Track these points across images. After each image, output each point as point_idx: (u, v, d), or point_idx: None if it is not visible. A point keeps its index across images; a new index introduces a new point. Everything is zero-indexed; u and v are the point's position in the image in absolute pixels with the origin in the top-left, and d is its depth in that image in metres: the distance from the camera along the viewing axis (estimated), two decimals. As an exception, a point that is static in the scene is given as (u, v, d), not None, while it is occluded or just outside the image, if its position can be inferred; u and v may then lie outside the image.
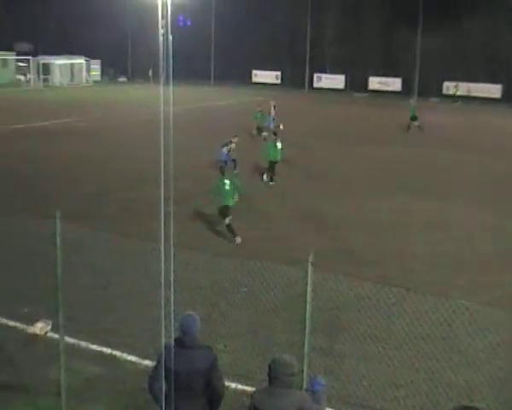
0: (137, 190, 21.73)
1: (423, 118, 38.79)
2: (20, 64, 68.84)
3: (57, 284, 8.68)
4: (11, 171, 24.42)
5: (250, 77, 75.85)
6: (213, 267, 13.09)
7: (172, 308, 5.78)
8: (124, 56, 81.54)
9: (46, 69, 67.95)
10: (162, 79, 5.72)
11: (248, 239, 16.69)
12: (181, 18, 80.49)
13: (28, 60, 67.09)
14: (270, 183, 23.91)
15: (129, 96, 56.86)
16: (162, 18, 5.30)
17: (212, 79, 76.96)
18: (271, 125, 32.26)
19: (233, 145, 24.55)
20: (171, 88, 5.91)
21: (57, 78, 68.29)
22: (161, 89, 5.74)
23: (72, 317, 9.97)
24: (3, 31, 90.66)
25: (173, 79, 5.67)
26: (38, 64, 67.16)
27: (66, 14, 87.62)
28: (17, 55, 72.66)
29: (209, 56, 78.06)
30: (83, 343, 10.41)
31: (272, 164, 24.00)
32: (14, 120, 38.06)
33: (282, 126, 27.46)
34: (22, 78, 66.79)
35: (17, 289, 12.55)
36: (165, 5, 5.82)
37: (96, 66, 75.89)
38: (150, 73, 70.69)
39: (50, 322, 10.69)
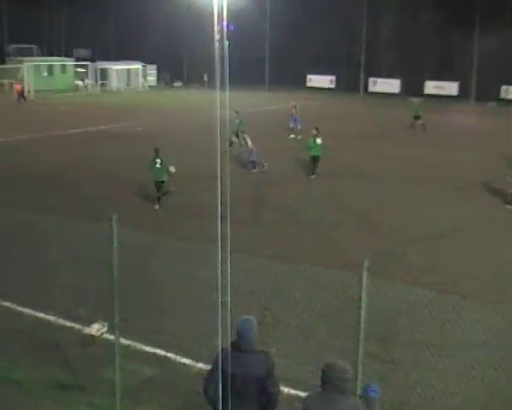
0: (192, 194, 21.88)
1: (481, 122, 38.10)
2: (79, 70, 70.15)
3: (113, 286, 8.79)
4: (66, 173, 24.89)
5: (304, 81, 75.67)
6: (267, 271, 13.09)
7: (229, 312, 5.78)
8: (179, 62, 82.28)
9: (104, 74, 69.08)
10: (218, 84, 5.74)
11: (302, 243, 16.66)
12: (228, 23, 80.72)
13: (86, 65, 68.32)
14: (312, 176, 24.97)
15: (184, 100, 57.37)
16: (218, 24, 5.32)
17: (266, 83, 77.06)
18: (298, 126, 32.72)
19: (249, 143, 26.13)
20: (227, 93, 5.92)
21: (114, 83, 69.36)
22: (217, 94, 5.76)
23: (128, 319, 10.07)
24: (64, 38, 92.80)
25: (228, 84, 5.68)
26: (96, 69, 68.31)
27: (123, 21, 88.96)
28: (76, 60, 74.09)
29: (264, 61, 78.19)
30: (137, 345, 10.52)
31: (314, 159, 25.20)
32: (73, 124, 38.80)
33: (265, 166, 25.27)
34: (80, 83, 68.04)
35: (74, 290, 12.77)
36: (221, 11, 5.84)
37: (152, 71, 76.74)
38: (205, 77, 71.19)
39: (106, 324, 10.85)
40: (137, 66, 72.89)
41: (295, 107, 35.92)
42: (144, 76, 73.87)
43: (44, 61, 68.54)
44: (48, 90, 60.64)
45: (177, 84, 79.31)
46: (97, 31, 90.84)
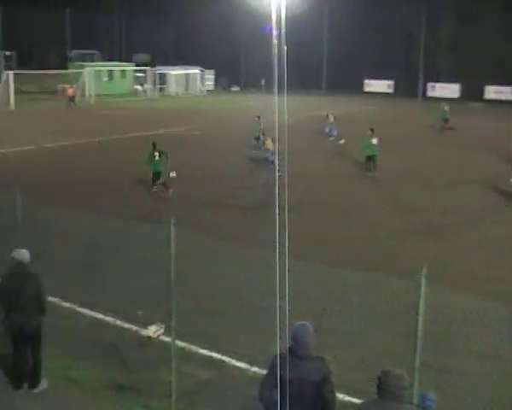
0: (250, 198, 21.96)
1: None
2: (138, 74, 71.19)
3: (170, 288, 8.89)
4: (125, 176, 25.26)
5: (362, 86, 75.22)
6: (324, 277, 13.04)
7: (287, 317, 5.79)
8: (237, 66, 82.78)
9: (162, 79, 69.97)
10: (276, 89, 5.75)
11: (360, 249, 16.55)
12: (268, 26, 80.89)
13: (145, 70, 69.31)
14: (370, 174, 26.15)
15: (240, 105, 57.65)
16: (276, 29, 5.34)
17: (323, 88, 76.87)
18: (334, 132, 33.71)
19: (269, 144, 27.60)
20: (285, 98, 5.93)
21: (172, 87, 70.15)
22: (276, 98, 5.78)
23: (184, 321, 10.15)
24: (124, 43, 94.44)
25: (284, 89, 5.69)
26: (155, 74, 69.25)
27: (182, 26, 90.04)
28: (135, 65, 75.22)
29: (321, 65, 78.03)
30: (193, 348, 10.61)
31: (369, 158, 26.52)
32: (133, 128, 39.39)
33: (173, 174, 23.26)
34: (140, 87, 69.02)
35: (132, 292, 12.95)
36: (279, 16, 5.86)
37: (210, 76, 77.37)
38: (262, 82, 71.41)
39: (163, 326, 10.98)
40: (196, 71, 73.59)
41: (328, 116, 36.56)
42: (202, 81, 74.51)
43: (105, 66, 69.78)
44: (108, 95, 61.72)
45: (235, 88, 79.74)
46: (157, 36, 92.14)
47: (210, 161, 29.33)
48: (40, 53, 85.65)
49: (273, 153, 26.87)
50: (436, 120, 41.95)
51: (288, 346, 6.48)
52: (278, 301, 5.56)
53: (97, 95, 59.69)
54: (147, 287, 12.92)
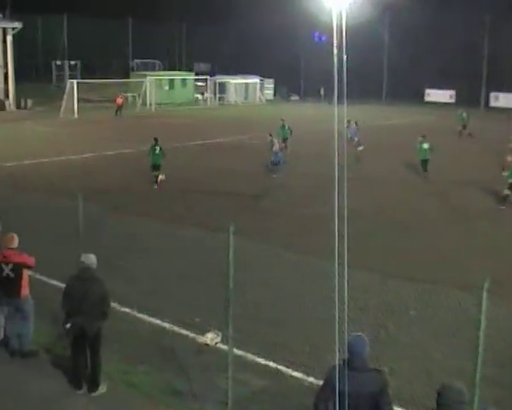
0: (310, 206, 21.94)
1: None
2: (198, 83, 71.93)
3: (228, 296, 8.92)
4: (189, 184, 25.52)
5: (422, 96, 74.32)
6: (383, 287, 12.91)
7: (345, 328, 5.74)
8: (296, 75, 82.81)
9: (222, 88, 70.47)
10: (335, 98, 5.73)
11: (419, 259, 16.33)
12: (316, 34, 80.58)
13: (206, 79, 69.97)
14: (425, 174, 27.45)
15: (299, 114, 57.60)
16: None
17: (383, 97, 76.23)
18: (356, 138, 33.90)
19: (275, 146, 28.74)
20: (345, 107, 5.91)
21: (232, 96, 70.64)
22: (335, 107, 5.76)
23: (241, 329, 10.19)
24: (185, 52, 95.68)
25: (344, 98, 5.66)
26: (215, 83, 69.83)
27: (242, 36, 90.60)
28: (196, 74, 76.03)
29: (381, 74, 77.44)
30: (250, 356, 10.62)
31: (423, 162, 27.73)
32: (192, 136, 39.79)
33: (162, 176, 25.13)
34: (200, 96, 69.71)
35: (190, 299, 13.07)
36: (338, 25, 5.83)
37: (269, 85, 77.59)
38: (322, 91, 71.23)
39: (220, 333, 11.03)
40: (255, 80, 73.94)
41: (349, 121, 35.84)
42: (262, 90, 74.80)
43: (166, 76, 70.74)
44: (168, 104, 62.51)
45: (294, 97, 79.75)
46: (217, 45, 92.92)
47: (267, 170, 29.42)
48: (103, 63, 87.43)
49: (278, 154, 28.47)
50: (497, 130, 41.15)
51: (344, 357, 6.42)
52: (337, 312, 5.51)
53: (158, 103, 60.53)
54: (204, 293, 13.02)
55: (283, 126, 34.29)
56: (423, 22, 70.08)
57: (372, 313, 12.03)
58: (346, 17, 5.91)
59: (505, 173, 23.08)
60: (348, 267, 6.58)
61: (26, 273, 10.56)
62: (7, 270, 10.35)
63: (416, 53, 71.28)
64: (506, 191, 22.75)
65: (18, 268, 10.38)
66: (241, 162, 31.35)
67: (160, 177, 25.18)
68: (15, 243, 10.50)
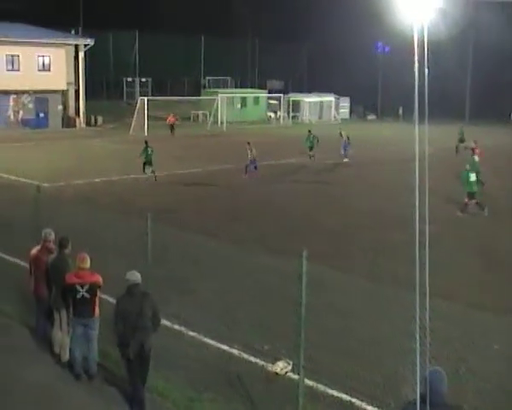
0: (382, 231, 21.71)
1: None
2: (271, 101, 72.32)
3: (300, 323, 8.89)
4: (259, 205, 25.66)
5: (509, 116, 72.81)
6: (465, 318, 12.64)
7: (427, 362, 5.64)
8: (373, 94, 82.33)
9: (296, 106, 70.67)
10: (416, 117, 5.67)
11: (502, 290, 15.91)
12: (379, 44, 79.68)
13: (279, 97, 70.23)
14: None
15: (377, 134, 57.24)
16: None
17: (466, 117, 74.96)
18: (346, 151, 38.88)
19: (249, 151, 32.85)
20: (426, 126, 5.84)
21: (306, 115, 70.75)
22: (416, 127, 5.70)
23: (312, 358, 10.13)
24: (257, 69, 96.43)
25: (424, 117, 5.60)
26: (289, 101, 70.09)
27: (316, 53, 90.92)
28: (268, 92, 76.53)
29: (464, 94, 76.24)
30: (321, 387, 10.51)
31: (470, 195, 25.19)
32: (264, 156, 39.99)
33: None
34: (272, 115, 70.12)
35: (260, 325, 13.06)
36: (420, 42, 5.78)
37: (345, 103, 77.44)
38: (400, 111, 70.71)
39: (291, 362, 10.96)
40: (330, 98, 73.92)
41: (341, 134, 40.48)
42: (337, 108, 74.69)
43: (238, 93, 71.47)
44: (240, 122, 63.06)
45: (371, 117, 79.37)
46: (290, 62, 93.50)
47: (342, 190, 29.29)
48: (174, 79, 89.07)
49: (253, 161, 32.78)
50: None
51: (420, 392, 6.29)
52: (417, 344, 5.41)
53: (230, 122, 61.14)
54: (274, 320, 13.00)
55: (308, 137, 39.60)
56: (509, 41, 68.75)
57: (453, 345, 11.77)
58: (429, 34, 5.85)
59: None
60: (428, 296, 6.47)
61: (99, 293, 10.88)
62: (82, 291, 10.65)
63: (502, 72, 69.99)
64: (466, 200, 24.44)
65: (93, 288, 10.71)
66: (312, 183, 31.29)
67: (149, 173, 30.92)
68: (88, 262, 10.82)
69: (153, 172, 30.92)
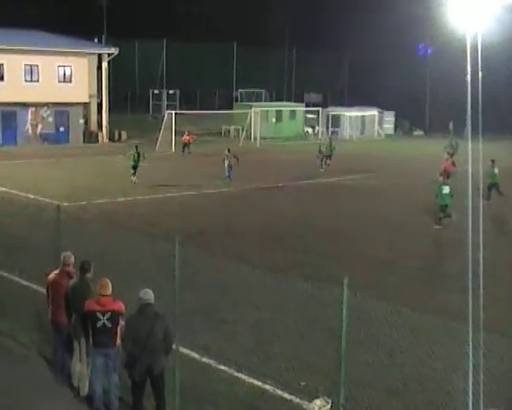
0: (428, 258, 21.55)
1: None
2: (309, 116, 72.27)
3: (339, 358, 8.84)
4: (294, 227, 25.65)
5: None
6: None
7: (481, 405, 5.58)
8: (421, 108, 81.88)
9: (335, 121, 70.53)
10: (468, 133, 5.63)
11: None
12: (421, 46, 78.91)
13: (317, 111, 70.11)
14: (485, 201, 26.06)
15: (424, 152, 56.96)
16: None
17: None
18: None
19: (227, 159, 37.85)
20: (480, 143, 5.81)
21: (346, 131, 70.50)
22: (469, 143, 5.67)
23: (353, 396, 10.06)
24: (294, 81, 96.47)
25: (478, 133, 5.57)
26: (328, 116, 70.02)
27: (358, 64, 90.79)
28: (306, 106, 76.55)
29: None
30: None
31: (491, 186, 31.22)
32: (300, 174, 40.02)
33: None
34: (310, 130, 70.09)
35: (296, 358, 12.99)
36: (473, 50, 5.76)
37: (389, 118, 77.18)
38: (451, 126, 70.21)
39: (330, 400, 10.87)
40: (373, 112, 73.72)
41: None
42: (380, 124, 74.47)
43: (273, 107, 71.62)
44: (274, 138, 63.19)
45: (417, 132, 78.96)
46: (330, 73, 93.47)
47: (383, 213, 29.16)
48: (204, 92, 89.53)
49: (231, 169, 37.50)
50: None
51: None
52: (470, 383, 5.35)
53: (263, 137, 61.28)
54: (312, 353, 12.93)
55: (328, 143, 44.70)
56: None
57: (509, 385, 11.60)
58: (483, 43, 5.83)
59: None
60: (479, 330, 6.40)
61: (121, 322, 10.87)
62: (103, 319, 10.67)
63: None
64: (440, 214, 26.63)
65: (114, 316, 10.73)
66: (352, 204, 31.22)
67: (134, 179, 36.01)
68: (110, 288, 10.83)
69: (133, 174, 36.16)
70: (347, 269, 18.37)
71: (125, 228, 24.57)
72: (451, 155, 42.73)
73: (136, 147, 37.30)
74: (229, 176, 37.55)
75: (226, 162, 37.82)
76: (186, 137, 53.07)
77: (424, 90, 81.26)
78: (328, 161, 43.44)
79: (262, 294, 16.99)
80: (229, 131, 67.51)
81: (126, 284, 13.43)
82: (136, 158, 36.33)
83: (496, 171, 32.15)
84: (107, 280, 10.90)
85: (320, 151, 43.42)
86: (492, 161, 32.19)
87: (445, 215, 26.65)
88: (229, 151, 38.14)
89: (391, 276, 19.77)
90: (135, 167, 36.36)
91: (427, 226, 26.75)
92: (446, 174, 31.72)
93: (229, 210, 29.68)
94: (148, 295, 10.26)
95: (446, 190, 26.86)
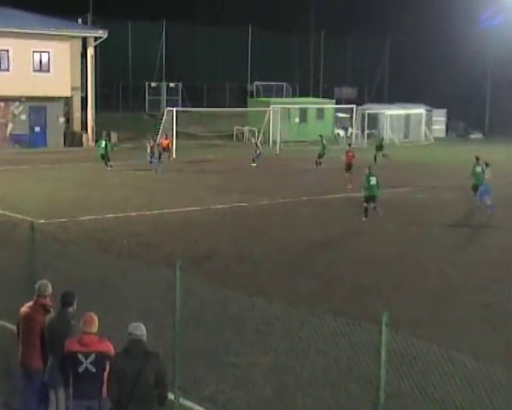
0: (495, 292, 21.44)
1: None
2: (340, 115, 72.03)
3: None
4: (315, 252, 25.62)
5: None
6: None
7: None
8: (479, 106, 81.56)
9: (373, 122, 69.90)
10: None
11: None
12: (484, 16, 76.95)
13: (351, 109, 69.73)
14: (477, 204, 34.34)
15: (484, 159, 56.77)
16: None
17: None
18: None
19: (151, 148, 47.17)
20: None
21: (387, 133, 69.92)
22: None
23: None
24: (323, 73, 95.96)
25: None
26: (363, 115, 69.47)
27: (401, 53, 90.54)
28: (337, 103, 76.40)
29: None
30: None
31: (475, 187, 34.89)
32: (328, 187, 40.02)
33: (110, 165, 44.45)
34: (341, 132, 69.70)
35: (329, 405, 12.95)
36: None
37: (439, 118, 76.95)
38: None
39: None
40: (419, 110, 73.46)
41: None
42: (429, 125, 74.16)
43: (296, 104, 71.49)
44: (298, 142, 62.99)
45: (475, 135, 78.66)
46: (367, 64, 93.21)
47: (432, 233, 29.13)
48: (212, 85, 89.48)
49: (154, 155, 46.36)
50: None
51: None
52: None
53: (284, 141, 61.11)
54: (343, 406, 12.87)
55: (322, 143, 51.27)
56: None
57: None
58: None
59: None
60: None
61: (108, 366, 10.64)
62: (86, 363, 10.47)
63: None
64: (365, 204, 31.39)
65: (100, 360, 10.49)
66: (389, 223, 31.17)
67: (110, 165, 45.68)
68: (96, 325, 10.61)
69: (106, 164, 45.02)
70: (387, 303, 18.29)
71: (115, 251, 24.59)
72: (379, 149, 52.93)
73: (106, 136, 46.36)
74: (151, 162, 46.53)
75: (148, 149, 47.25)
76: (165, 142, 51.68)
77: (484, 83, 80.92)
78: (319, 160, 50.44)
79: (281, 332, 16.93)
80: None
81: (116, 319, 13.41)
82: (104, 147, 45.30)
83: (478, 169, 35.15)
84: (93, 315, 10.73)
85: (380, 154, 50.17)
86: (477, 159, 35.60)
87: (374, 207, 31.38)
88: (154, 141, 48.83)
89: (442, 312, 19.67)
90: (104, 157, 44.87)
91: (484, 250, 26.65)
92: (348, 166, 41.30)
93: (241, 229, 29.65)
94: (139, 329, 10.02)
95: (373, 181, 31.53)
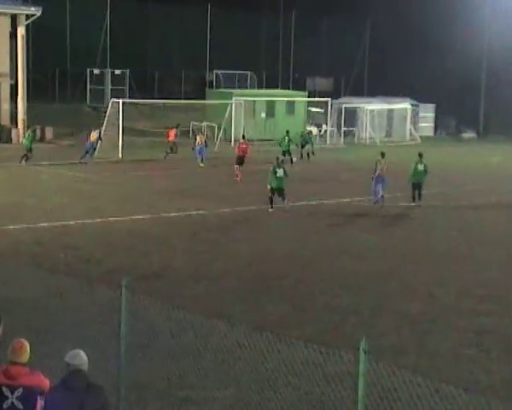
0: (486, 314, 21.62)
1: None
2: (313, 109, 72.06)
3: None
4: (281, 269, 25.68)
5: None
6: None
7: None
8: (473, 101, 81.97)
9: (351, 117, 70.02)
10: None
11: None
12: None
13: (325, 103, 69.81)
14: (413, 203, 38.50)
15: (479, 161, 57.24)
16: None
17: None
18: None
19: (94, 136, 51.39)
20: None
21: (367, 131, 70.10)
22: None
23: None
24: (292, 61, 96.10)
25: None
26: (340, 109, 69.52)
27: (382, 36, 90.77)
28: (309, 95, 76.51)
29: None
30: None
31: (415, 185, 38.56)
32: (299, 195, 40.15)
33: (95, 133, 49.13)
34: (314, 130, 69.58)
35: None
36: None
37: (427, 114, 77.27)
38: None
39: None
40: (404, 105, 73.74)
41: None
42: (415, 122, 74.39)
43: (262, 96, 71.53)
44: (264, 140, 62.94)
45: (468, 135, 79.07)
46: (344, 50, 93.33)
47: (422, 249, 29.32)
48: (166, 74, 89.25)
49: (92, 145, 50.86)
50: None
51: None
52: None
53: (249, 139, 61.01)
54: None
55: (283, 138, 54.25)
56: None
57: None
58: None
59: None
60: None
61: (41, 403, 10.43)
62: (12, 398, 10.29)
63: None
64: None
65: (29, 395, 10.21)
66: (360, 235, 31.33)
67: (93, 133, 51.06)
68: (26, 354, 10.38)
69: (25, 155, 48.11)
70: (367, 328, 18.37)
71: (50, 267, 24.46)
72: (303, 146, 56.71)
73: (34, 130, 52.14)
74: (88, 151, 50.58)
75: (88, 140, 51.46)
76: (171, 133, 53.50)
77: (479, 73, 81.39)
78: (290, 157, 53.17)
79: (244, 362, 16.96)
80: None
81: (52, 347, 13.37)
82: (31, 139, 49.38)
83: (420, 167, 38.91)
84: (24, 342, 10.51)
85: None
86: (420, 156, 39.38)
87: (273, 197, 35.61)
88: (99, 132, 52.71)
89: (429, 337, 19.80)
90: (31, 150, 48.45)
91: (478, 265, 26.86)
92: (239, 159, 46.85)
93: (198, 241, 29.64)
94: (78, 358, 9.84)
95: (280, 172, 35.65)
